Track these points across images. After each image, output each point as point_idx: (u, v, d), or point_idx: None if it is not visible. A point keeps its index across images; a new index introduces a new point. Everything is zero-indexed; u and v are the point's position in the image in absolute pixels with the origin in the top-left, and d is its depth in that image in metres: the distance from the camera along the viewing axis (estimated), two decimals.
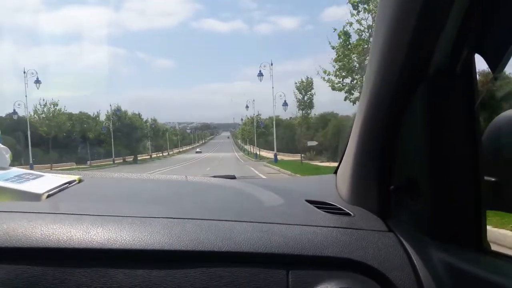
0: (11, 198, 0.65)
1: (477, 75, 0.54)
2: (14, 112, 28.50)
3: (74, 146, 35.85)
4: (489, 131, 0.55)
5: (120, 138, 40.36)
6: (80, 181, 0.78)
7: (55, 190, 0.70)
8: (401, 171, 0.60)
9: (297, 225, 0.59)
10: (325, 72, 13.50)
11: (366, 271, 0.53)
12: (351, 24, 12.35)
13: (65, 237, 0.52)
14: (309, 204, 0.70)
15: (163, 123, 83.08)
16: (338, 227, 0.59)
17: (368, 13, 11.82)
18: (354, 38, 12.55)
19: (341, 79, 13.00)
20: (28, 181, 0.70)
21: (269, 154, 45.83)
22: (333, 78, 13.36)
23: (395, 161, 0.60)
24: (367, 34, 11.65)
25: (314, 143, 24.13)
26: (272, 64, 27.10)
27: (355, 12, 12.15)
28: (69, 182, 0.75)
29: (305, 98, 24.13)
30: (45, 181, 0.73)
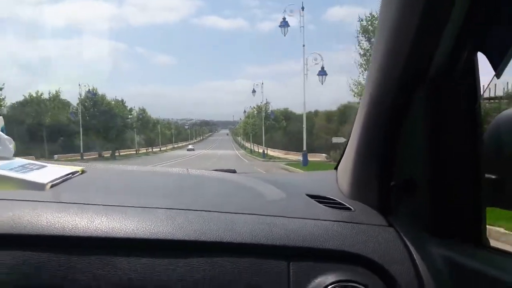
0: (16, 187, 0.73)
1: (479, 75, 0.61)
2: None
3: (38, 137, 32.68)
4: (490, 129, 0.62)
5: (96, 127, 38.94)
6: (83, 172, 0.89)
7: (58, 180, 0.78)
8: (402, 167, 0.66)
9: (298, 218, 0.66)
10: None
11: (366, 264, 0.59)
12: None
13: (70, 226, 0.58)
14: (310, 198, 0.77)
15: (161, 118, 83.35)
16: (338, 221, 0.65)
17: None
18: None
19: None
20: (31, 171, 0.79)
21: (277, 153, 42.48)
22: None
23: (396, 157, 0.66)
24: None
25: (341, 139, 21.30)
26: (303, 9, 21.45)
27: None
28: (72, 173, 0.86)
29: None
30: (49, 171, 0.82)
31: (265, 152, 37.35)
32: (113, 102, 41.95)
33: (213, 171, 1.06)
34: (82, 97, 38.47)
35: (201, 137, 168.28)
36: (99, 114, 38.78)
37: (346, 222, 0.66)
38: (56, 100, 38.00)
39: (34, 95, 36.08)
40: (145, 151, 55.24)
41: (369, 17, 17.42)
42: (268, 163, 25.39)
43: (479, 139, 0.60)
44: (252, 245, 0.60)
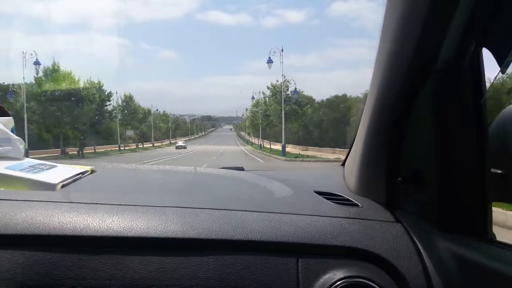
0: (27, 187, 0.82)
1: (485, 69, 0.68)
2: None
3: None
4: (496, 124, 0.67)
5: (55, 116, 32.21)
6: (92, 171, 0.99)
7: (69, 180, 0.86)
8: (408, 163, 0.74)
9: (307, 215, 0.73)
10: None
11: (374, 260, 0.65)
12: None
13: (81, 225, 0.64)
14: (317, 195, 0.86)
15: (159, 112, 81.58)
16: (346, 217, 0.73)
17: None
18: None
19: None
20: (42, 171, 0.88)
21: (292, 149, 31.93)
22: None
23: (402, 153, 0.75)
24: None
25: None
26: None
27: None
28: (82, 173, 0.94)
29: None
30: (59, 171, 0.91)
31: (285, 146, 31.41)
32: (86, 83, 36.99)
33: (221, 169, 1.15)
34: (35, 73, 31.90)
35: (203, 132, 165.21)
36: (62, 97, 32.43)
37: (354, 218, 0.73)
38: None
39: None
40: (134, 147, 52.76)
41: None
42: (305, 165, 18.16)
43: (484, 134, 0.65)
44: (261, 243, 0.65)
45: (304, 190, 0.92)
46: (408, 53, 0.64)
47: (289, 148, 34.93)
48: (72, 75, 33.85)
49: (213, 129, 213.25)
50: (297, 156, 25.87)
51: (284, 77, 34.42)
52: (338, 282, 0.61)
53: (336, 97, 45.88)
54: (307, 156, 26.24)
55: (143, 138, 59.67)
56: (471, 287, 0.59)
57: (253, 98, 49.88)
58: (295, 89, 33.99)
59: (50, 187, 0.80)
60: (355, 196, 0.85)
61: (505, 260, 0.58)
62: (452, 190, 0.66)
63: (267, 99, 41.44)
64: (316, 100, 44.19)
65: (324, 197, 0.84)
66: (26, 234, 0.62)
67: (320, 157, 23.88)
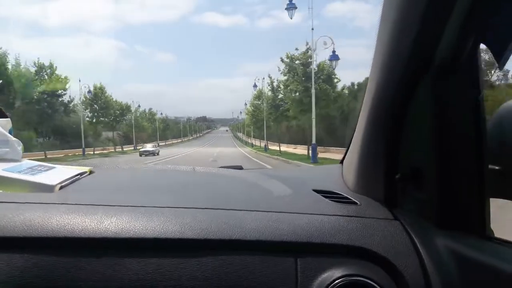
0: (25, 189, 0.82)
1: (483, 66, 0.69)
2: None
3: None
4: (493, 121, 0.68)
5: None
6: (91, 172, 0.99)
7: (67, 182, 0.87)
8: (407, 160, 0.75)
9: (305, 214, 0.74)
10: None
11: (372, 257, 0.66)
12: None
13: (80, 227, 0.64)
14: (316, 194, 0.87)
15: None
16: (344, 216, 0.74)
17: None
18: None
19: None
20: (40, 172, 0.89)
21: (302, 150, 26.63)
22: None
23: (400, 150, 0.76)
24: None
25: None
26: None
27: None
28: (81, 174, 0.95)
29: None
30: (57, 172, 0.92)
31: (315, 149, 19.20)
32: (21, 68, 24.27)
33: (219, 168, 1.16)
34: None
35: (197, 134, 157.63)
36: None
37: (352, 216, 0.74)
38: None
39: None
40: (112, 150, 45.02)
41: None
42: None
43: (482, 130, 0.66)
44: (260, 242, 0.65)
45: (303, 188, 0.92)
46: (405, 50, 0.65)
47: (303, 150, 24.62)
48: (7, 56, 26.17)
49: (209, 130, 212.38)
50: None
51: (308, 43, 21.95)
52: (337, 281, 0.62)
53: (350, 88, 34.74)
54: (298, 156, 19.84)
55: (127, 140, 52.02)
56: (469, 284, 0.60)
57: (255, 86, 39.72)
58: (334, 51, 19.38)
59: (49, 188, 0.81)
60: (354, 194, 0.86)
61: (503, 256, 0.59)
62: (450, 188, 0.67)
63: (275, 84, 30.88)
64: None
65: (323, 196, 0.85)
66: (24, 236, 0.62)
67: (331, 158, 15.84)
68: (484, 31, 0.62)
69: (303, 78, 23.17)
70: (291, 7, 20.05)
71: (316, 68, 22.91)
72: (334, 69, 21.87)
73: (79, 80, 37.13)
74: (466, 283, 0.60)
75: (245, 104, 54.07)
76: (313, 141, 19.01)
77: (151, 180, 1.05)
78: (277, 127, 36.78)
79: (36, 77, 29.82)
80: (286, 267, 0.64)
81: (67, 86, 33.37)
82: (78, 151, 34.10)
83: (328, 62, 21.92)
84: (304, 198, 0.86)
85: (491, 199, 0.67)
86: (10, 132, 0.96)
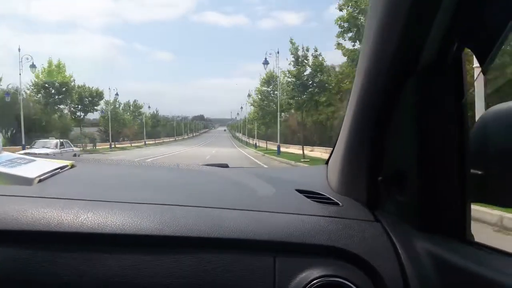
0: (3, 182, 0.82)
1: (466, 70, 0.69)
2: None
3: None
4: (477, 125, 0.68)
5: None
6: (72, 166, 0.99)
7: (47, 175, 0.87)
8: (390, 163, 0.76)
9: (286, 213, 0.75)
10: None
11: (351, 259, 0.66)
12: None
13: (55, 221, 0.65)
14: (298, 194, 0.88)
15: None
16: (325, 216, 0.75)
17: None
18: None
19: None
20: (19, 165, 0.89)
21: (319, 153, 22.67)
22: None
23: (384, 152, 0.76)
24: None
25: None
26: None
27: None
28: (61, 167, 0.95)
29: None
30: (37, 166, 0.91)
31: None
32: None
33: (204, 166, 1.17)
34: None
35: (193, 133, 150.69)
36: None
37: (333, 217, 0.74)
38: None
39: None
40: (87, 148, 36.63)
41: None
42: None
43: (465, 134, 0.67)
44: (239, 241, 0.66)
45: (286, 188, 0.93)
46: (390, 52, 0.65)
47: (317, 153, 22.47)
48: None
49: (206, 130, 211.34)
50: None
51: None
52: (315, 281, 0.62)
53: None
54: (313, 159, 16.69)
55: (110, 137, 44.21)
56: None
57: (265, 62, 30.11)
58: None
59: (27, 181, 0.81)
60: (336, 195, 0.86)
61: (483, 261, 0.60)
62: (432, 191, 0.67)
63: (301, 53, 22.13)
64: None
65: (305, 196, 0.85)
66: (0, 229, 0.62)
67: None
68: (467, 34, 0.63)
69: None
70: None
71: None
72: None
73: (19, 49, 26.89)
74: (444, 286, 0.60)
75: (248, 96, 45.33)
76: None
77: (132, 176, 1.04)
78: (304, 118, 25.62)
79: None
80: (264, 266, 0.64)
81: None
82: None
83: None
84: (287, 198, 0.86)
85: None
86: None
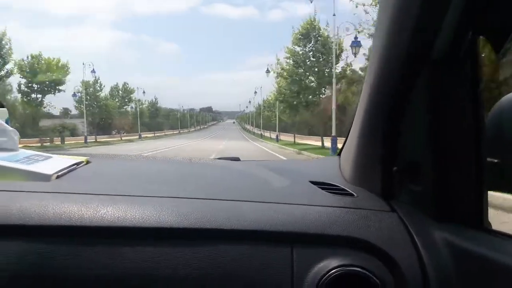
0: (21, 178, 0.84)
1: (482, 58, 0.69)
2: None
3: None
4: (493, 113, 0.69)
5: None
6: (88, 162, 1.02)
7: (64, 171, 0.89)
8: (405, 153, 0.76)
9: (302, 205, 0.76)
10: None
11: (369, 249, 0.67)
12: None
13: (76, 216, 0.66)
14: (313, 185, 0.89)
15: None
16: (341, 207, 0.76)
17: None
18: None
19: None
20: (37, 162, 0.91)
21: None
22: None
23: (398, 142, 0.77)
24: None
25: None
26: None
27: None
28: (77, 163, 0.97)
29: None
30: (53, 162, 0.94)
31: None
32: None
33: (216, 160, 1.20)
34: None
35: (201, 126, 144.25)
36: None
37: (349, 208, 0.75)
38: None
39: None
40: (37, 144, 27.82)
41: None
42: None
43: (481, 123, 0.67)
44: (256, 232, 0.67)
45: (300, 180, 0.94)
46: (403, 42, 0.65)
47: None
48: None
49: (214, 122, 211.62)
50: None
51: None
52: (333, 271, 0.63)
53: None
54: None
55: (102, 128, 40.37)
56: (465, 276, 0.61)
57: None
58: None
59: (45, 178, 0.83)
60: (351, 186, 0.87)
61: (500, 249, 0.60)
62: (448, 180, 0.68)
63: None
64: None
65: (320, 187, 0.86)
66: (21, 224, 0.64)
67: None
68: (483, 22, 0.62)
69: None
70: None
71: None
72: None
73: None
74: (462, 274, 0.61)
75: (267, 72, 30.58)
76: None
77: (147, 170, 1.07)
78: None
79: None
80: (282, 256, 0.65)
81: None
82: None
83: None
84: (301, 189, 0.87)
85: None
86: (6, 122, 0.99)
